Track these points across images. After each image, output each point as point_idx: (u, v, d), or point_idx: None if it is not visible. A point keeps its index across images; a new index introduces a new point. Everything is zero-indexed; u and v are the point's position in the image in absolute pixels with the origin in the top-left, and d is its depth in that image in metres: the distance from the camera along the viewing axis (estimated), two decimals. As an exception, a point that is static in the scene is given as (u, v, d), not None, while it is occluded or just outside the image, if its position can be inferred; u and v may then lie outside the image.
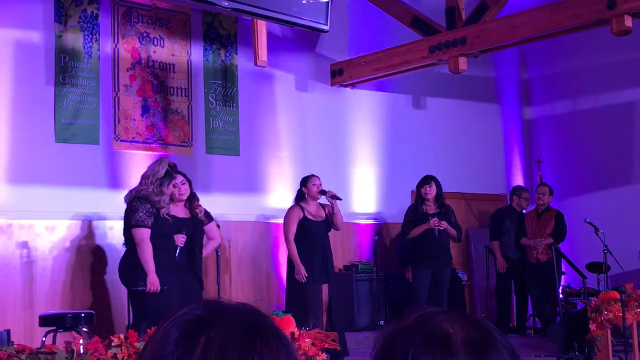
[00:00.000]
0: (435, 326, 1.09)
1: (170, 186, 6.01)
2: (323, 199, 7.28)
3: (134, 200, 5.84)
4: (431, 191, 7.78)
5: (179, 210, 6.23)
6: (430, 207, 7.82)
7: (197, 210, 6.34)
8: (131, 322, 6.52)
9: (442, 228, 7.63)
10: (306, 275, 6.93)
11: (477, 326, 1.10)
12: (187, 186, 6.27)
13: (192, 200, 6.36)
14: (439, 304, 7.53)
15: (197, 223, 6.29)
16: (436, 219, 7.65)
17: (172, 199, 6.11)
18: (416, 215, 7.78)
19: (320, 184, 7.22)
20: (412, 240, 7.78)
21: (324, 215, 7.22)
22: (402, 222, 8.01)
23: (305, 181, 7.27)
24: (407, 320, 1.12)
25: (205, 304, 1.04)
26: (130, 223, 5.81)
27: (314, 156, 9.05)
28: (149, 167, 6.08)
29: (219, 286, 7.01)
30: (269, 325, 1.03)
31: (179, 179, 6.21)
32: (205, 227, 6.37)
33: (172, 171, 6.01)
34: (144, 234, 5.76)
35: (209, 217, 6.53)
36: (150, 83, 8.04)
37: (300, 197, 7.25)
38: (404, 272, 8.62)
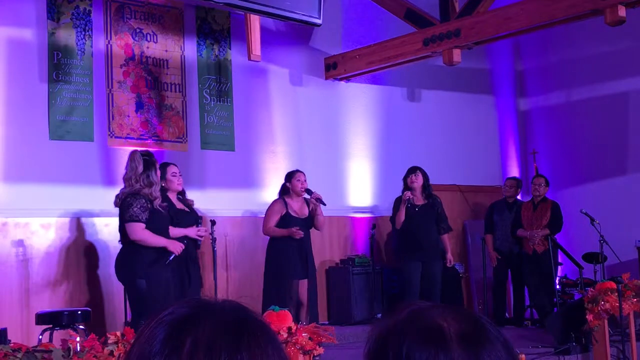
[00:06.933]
0: (429, 320, 1.08)
1: (169, 175, 6.06)
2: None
3: (128, 196, 5.69)
4: (417, 180, 7.75)
5: (176, 203, 6.28)
6: (417, 198, 7.79)
7: (190, 202, 6.46)
8: (129, 319, 6.52)
9: (410, 197, 7.58)
10: (300, 233, 6.89)
11: (470, 319, 1.09)
12: (181, 178, 6.40)
13: (182, 194, 6.45)
14: (431, 298, 7.51)
15: (196, 215, 6.39)
16: (408, 192, 7.63)
17: (167, 189, 6.15)
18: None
19: (305, 180, 7.13)
20: (401, 233, 7.75)
21: (307, 212, 7.12)
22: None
23: (289, 176, 7.20)
24: (399, 315, 1.12)
25: (190, 302, 1.04)
26: (124, 218, 5.69)
27: (309, 150, 9.04)
28: (126, 168, 5.81)
29: (216, 282, 6.98)
30: (255, 320, 1.03)
31: (176, 169, 6.38)
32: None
33: (151, 159, 5.78)
34: (137, 229, 5.62)
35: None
36: (144, 79, 8.01)
37: (284, 192, 7.19)
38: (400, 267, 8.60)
